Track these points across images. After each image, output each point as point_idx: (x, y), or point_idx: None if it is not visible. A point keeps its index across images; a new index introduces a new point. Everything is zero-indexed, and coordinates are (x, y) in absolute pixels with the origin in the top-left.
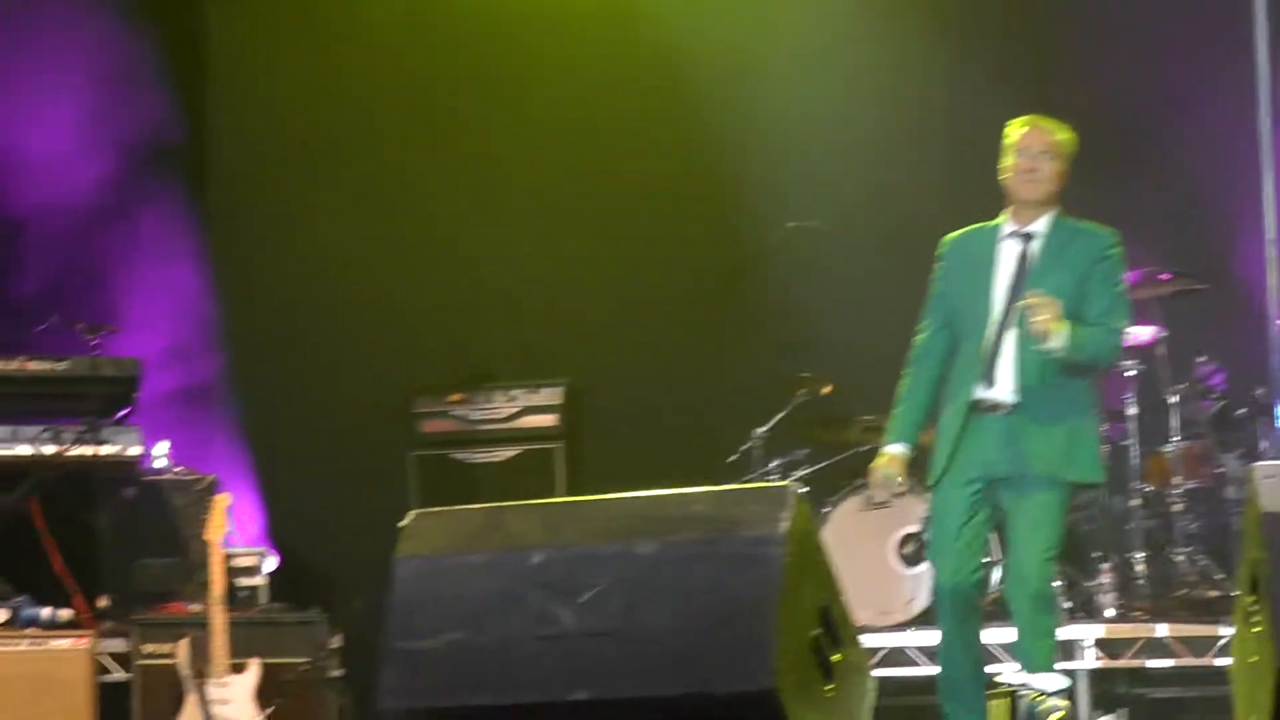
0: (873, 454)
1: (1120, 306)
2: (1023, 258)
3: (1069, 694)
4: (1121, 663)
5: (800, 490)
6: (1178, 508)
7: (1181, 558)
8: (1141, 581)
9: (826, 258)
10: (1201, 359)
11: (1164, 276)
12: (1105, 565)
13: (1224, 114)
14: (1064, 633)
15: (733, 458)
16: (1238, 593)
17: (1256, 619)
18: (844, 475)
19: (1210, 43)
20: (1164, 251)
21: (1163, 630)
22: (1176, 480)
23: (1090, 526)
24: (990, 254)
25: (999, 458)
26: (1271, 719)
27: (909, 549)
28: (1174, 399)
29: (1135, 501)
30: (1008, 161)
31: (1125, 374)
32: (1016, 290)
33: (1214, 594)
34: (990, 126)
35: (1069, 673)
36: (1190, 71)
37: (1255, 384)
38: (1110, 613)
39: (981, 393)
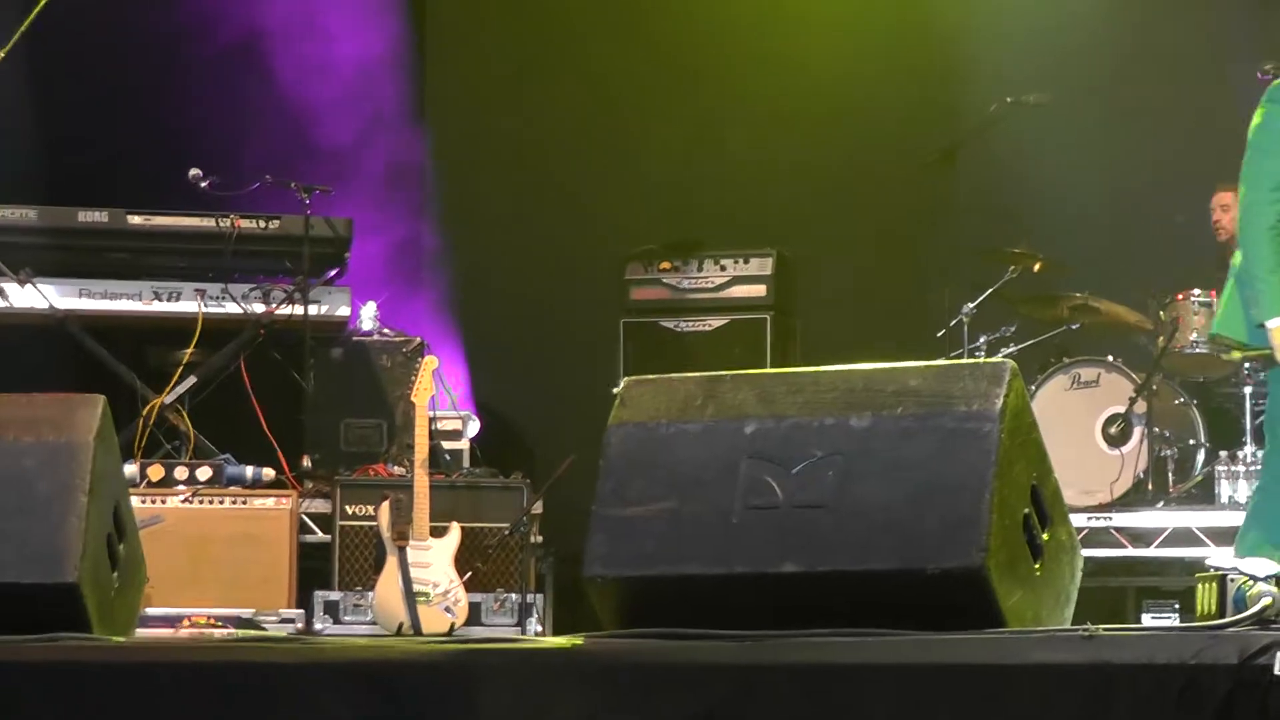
0: (1080, 332)
1: None
2: None
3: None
4: None
5: (1014, 366)
6: None
7: None
8: None
9: (1044, 135)
10: None
11: None
12: None
13: None
14: None
15: (941, 332)
16: None
17: None
18: (1052, 352)
19: None
20: None
21: None
22: None
23: None
24: None
25: None
26: None
27: (1114, 429)
28: None
29: None
30: None
31: None
32: None
33: None
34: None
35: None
36: None
37: None
38: None
39: None
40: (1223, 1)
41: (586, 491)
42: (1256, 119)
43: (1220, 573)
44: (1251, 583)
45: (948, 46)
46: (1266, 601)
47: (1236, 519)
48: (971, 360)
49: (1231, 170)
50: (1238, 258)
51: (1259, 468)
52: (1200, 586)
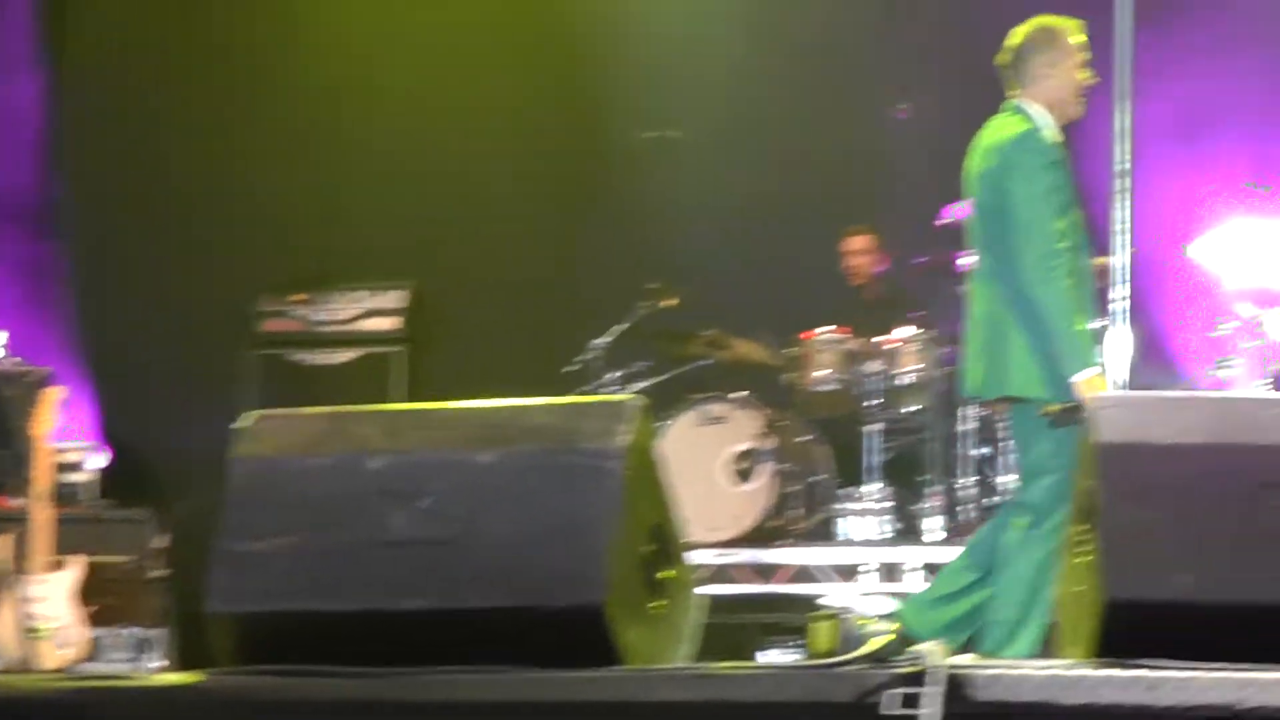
0: (713, 368)
1: None
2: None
3: (896, 618)
4: None
5: (640, 403)
6: (1007, 433)
7: (1008, 483)
8: (969, 507)
9: (680, 170)
10: None
11: None
12: (933, 489)
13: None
14: (890, 555)
15: (570, 368)
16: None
17: (1085, 549)
18: (684, 388)
19: None
20: None
21: None
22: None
23: (920, 449)
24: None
25: None
26: (1095, 649)
27: (743, 465)
28: None
29: (966, 426)
30: (1073, 67)
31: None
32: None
33: None
34: (848, 40)
35: (895, 595)
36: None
37: None
38: (936, 536)
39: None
40: (856, 43)
41: (215, 525)
42: (1016, 171)
43: (837, 610)
44: (868, 620)
45: (586, 81)
46: (882, 639)
47: (858, 556)
48: (598, 397)
49: (863, 211)
50: (980, 307)
51: (882, 504)
52: (815, 626)
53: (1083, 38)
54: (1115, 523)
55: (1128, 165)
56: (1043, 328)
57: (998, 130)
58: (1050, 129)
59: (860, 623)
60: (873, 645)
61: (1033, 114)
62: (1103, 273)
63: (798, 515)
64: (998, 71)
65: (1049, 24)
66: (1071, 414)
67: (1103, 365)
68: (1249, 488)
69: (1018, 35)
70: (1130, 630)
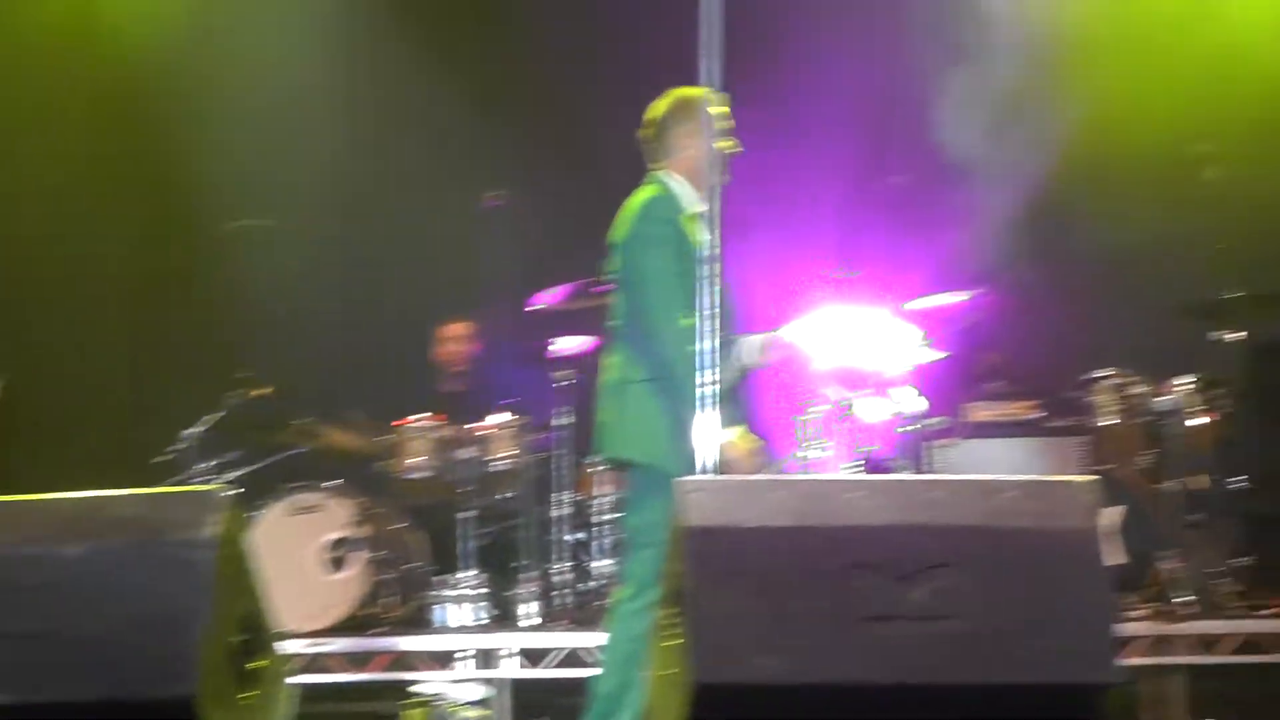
0: (306, 456)
1: None
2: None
3: (488, 703)
4: (543, 672)
5: (229, 494)
6: (601, 518)
7: (603, 568)
8: (564, 591)
9: (271, 259)
10: None
11: (598, 288)
12: (529, 574)
13: None
14: (486, 641)
15: (162, 458)
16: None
17: (674, 632)
18: (277, 477)
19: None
20: (597, 263)
21: (584, 639)
22: (601, 491)
23: (515, 535)
24: (692, 230)
25: None
26: None
27: (337, 553)
28: None
29: (560, 511)
30: (704, 139)
31: (558, 385)
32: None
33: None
34: (441, 129)
35: (490, 681)
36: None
37: None
38: (531, 622)
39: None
40: (449, 131)
41: None
42: (640, 240)
43: (430, 698)
44: (459, 707)
45: (176, 170)
46: None
47: (454, 642)
48: (186, 488)
49: (456, 298)
50: (613, 372)
51: (478, 590)
52: (410, 712)
53: (724, 108)
54: (702, 606)
55: (717, 250)
56: (671, 393)
57: (631, 202)
58: (689, 199)
59: (452, 709)
60: None
61: (671, 185)
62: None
63: (393, 603)
64: (641, 145)
65: (687, 95)
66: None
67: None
68: (835, 569)
69: (658, 108)
70: (714, 714)
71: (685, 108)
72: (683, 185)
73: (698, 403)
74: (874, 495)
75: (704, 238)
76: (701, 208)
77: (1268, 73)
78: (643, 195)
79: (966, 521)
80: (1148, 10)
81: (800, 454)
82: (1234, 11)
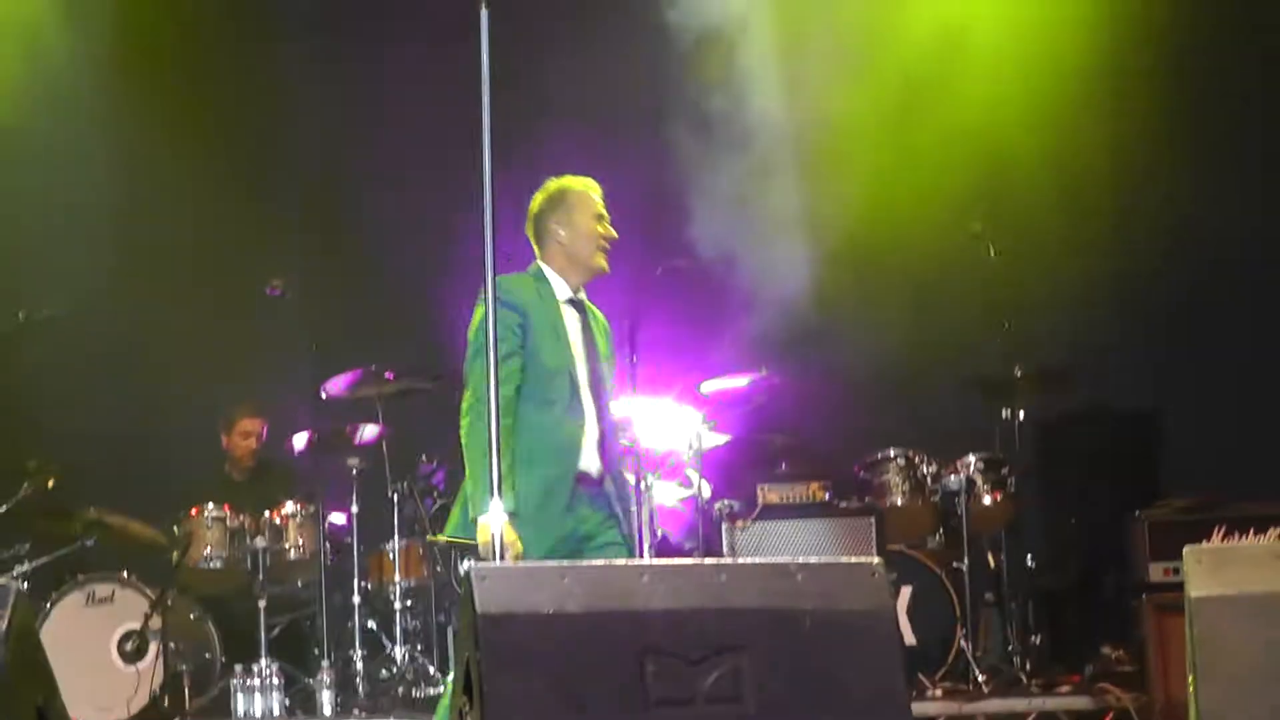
0: (96, 548)
1: None
2: (585, 329)
3: None
4: None
5: (20, 587)
6: (397, 605)
7: (400, 655)
8: (362, 679)
9: (58, 350)
10: (423, 457)
11: (389, 375)
12: (325, 663)
13: (449, 219)
14: None
15: None
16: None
17: (470, 718)
18: (67, 569)
19: (439, 156)
20: (386, 349)
21: None
22: (397, 578)
23: (310, 623)
24: (559, 317)
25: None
26: None
27: (130, 645)
28: (396, 497)
29: (355, 599)
30: (584, 222)
31: (349, 472)
32: (592, 363)
33: (432, 692)
34: (218, 219)
35: None
36: (420, 179)
37: None
38: (329, 710)
39: (586, 463)
40: (227, 221)
41: None
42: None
43: None
44: None
45: None
46: None
47: None
48: None
49: (243, 386)
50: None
51: (275, 679)
52: None
53: (596, 193)
54: (493, 693)
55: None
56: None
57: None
58: (561, 288)
59: None
60: None
61: (545, 273)
62: None
63: (189, 694)
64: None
65: (560, 184)
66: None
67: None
68: (626, 654)
69: (535, 200)
70: None
71: (558, 196)
72: (553, 273)
73: (481, 476)
74: (664, 580)
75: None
76: (569, 294)
77: (1010, 150)
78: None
79: (755, 604)
80: (889, 97)
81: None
82: (969, 90)
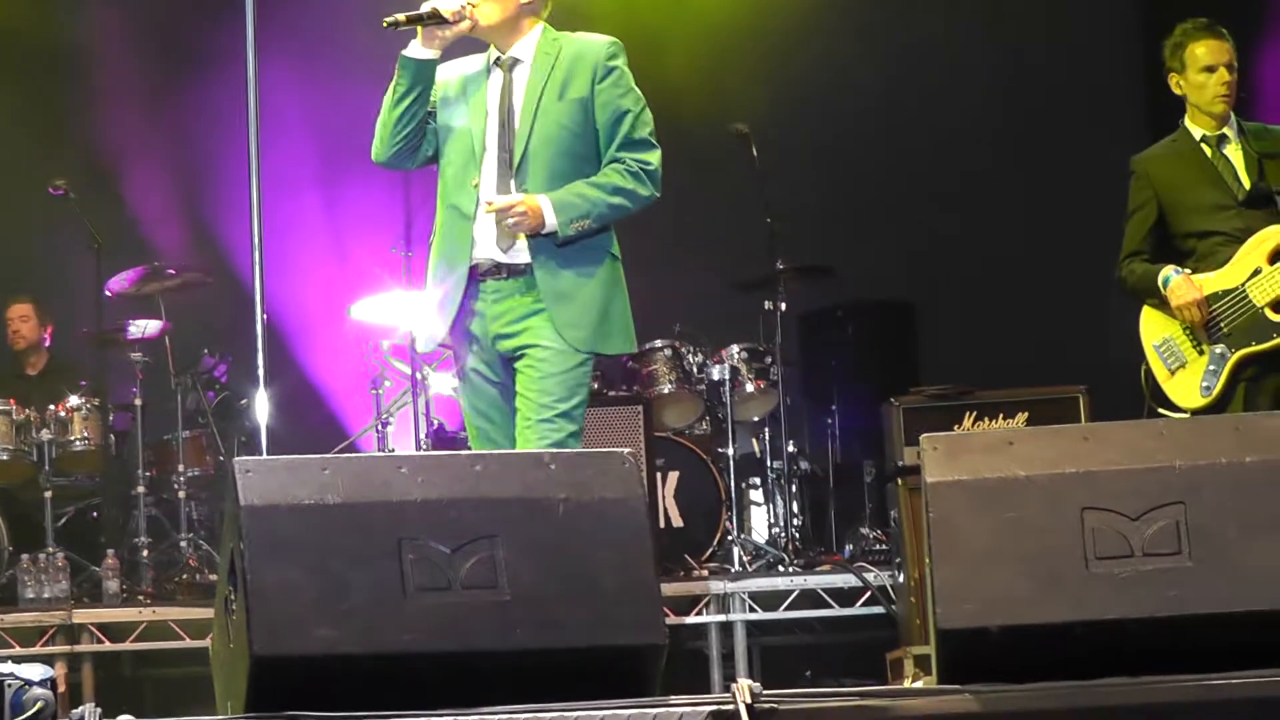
0: None
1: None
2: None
3: (52, 684)
4: (125, 646)
5: None
6: (182, 495)
7: (185, 543)
8: (147, 566)
9: None
10: (206, 351)
11: (171, 271)
12: (111, 551)
13: (222, 110)
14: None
15: None
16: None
17: (234, 606)
18: None
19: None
20: (168, 246)
21: (166, 613)
22: (181, 468)
23: (96, 513)
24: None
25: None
26: (246, 704)
27: None
28: (180, 390)
29: (141, 489)
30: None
31: (133, 367)
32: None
33: (214, 579)
34: None
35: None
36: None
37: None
38: (115, 595)
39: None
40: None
41: None
42: None
43: None
44: (27, 687)
45: None
46: (39, 705)
47: (35, 619)
48: None
49: (25, 286)
50: None
51: (61, 566)
52: None
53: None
54: (258, 582)
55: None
56: None
57: None
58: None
59: (23, 688)
60: (32, 711)
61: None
62: None
63: None
64: None
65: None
66: None
67: None
68: (385, 544)
69: None
70: (276, 685)
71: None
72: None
73: None
74: (421, 471)
75: None
76: None
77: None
78: None
79: (511, 494)
80: None
81: (375, 426)
82: None
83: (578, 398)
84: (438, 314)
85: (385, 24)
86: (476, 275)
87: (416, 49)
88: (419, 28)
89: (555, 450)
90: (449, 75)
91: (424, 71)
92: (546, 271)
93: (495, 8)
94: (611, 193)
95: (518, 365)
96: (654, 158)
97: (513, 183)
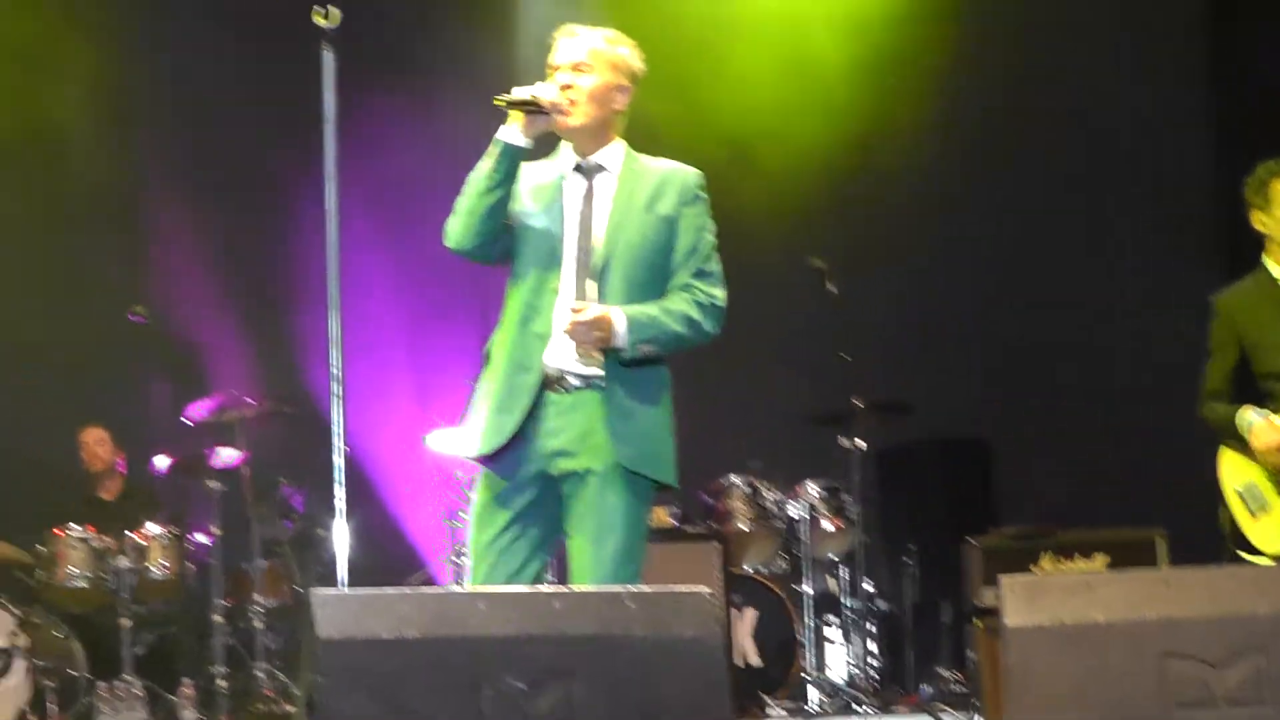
0: None
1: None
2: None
3: None
4: None
5: None
6: (258, 624)
7: (261, 673)
8: (224, 696)
9: None
10: (284, 481)
11: (250, 400)
12: (187, 680)
13: (302, 245)
14: None
15: None
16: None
17: None
18: None
19: (288, 178)
20: (248, 375)
21: None
22: (258, 598)
23: (173, 642)
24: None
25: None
26: None
27: None
28: (257, 518)
29: (217, 617)
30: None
31: (211, 495)
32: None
33: (291, 709)
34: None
35: None
36: (278, 211)
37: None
38: None
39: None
40: (92, 249)
41: None
42: None
43: None
44: None
45: None
46: None
47: None
48: None
49: (100, 409)
50: None
51: (139, 695)
52: None
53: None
54: (334, 716)
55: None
56: None
57: None
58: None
59: None
60: None
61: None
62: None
63: (55, 710)
64: None
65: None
66: None
67: None
68: (463, 680)
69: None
70: None
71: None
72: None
73: None
74: (500, 607)
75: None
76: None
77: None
78: None
79: (588, 631)
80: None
81: (452, 558)
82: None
83: (640, 527)
84: (496, 416)
85: (496, 101)
86: (544, 383)
87: (514, 134)
88: (520, 113)
89: (633, 588)
90: (523, 174)
91: (519, 158)
92: (616, 389)
93: (590, 109)
94: (681, 321)
95: (572, 489)
96: (722, 295)
97: (590, 284)
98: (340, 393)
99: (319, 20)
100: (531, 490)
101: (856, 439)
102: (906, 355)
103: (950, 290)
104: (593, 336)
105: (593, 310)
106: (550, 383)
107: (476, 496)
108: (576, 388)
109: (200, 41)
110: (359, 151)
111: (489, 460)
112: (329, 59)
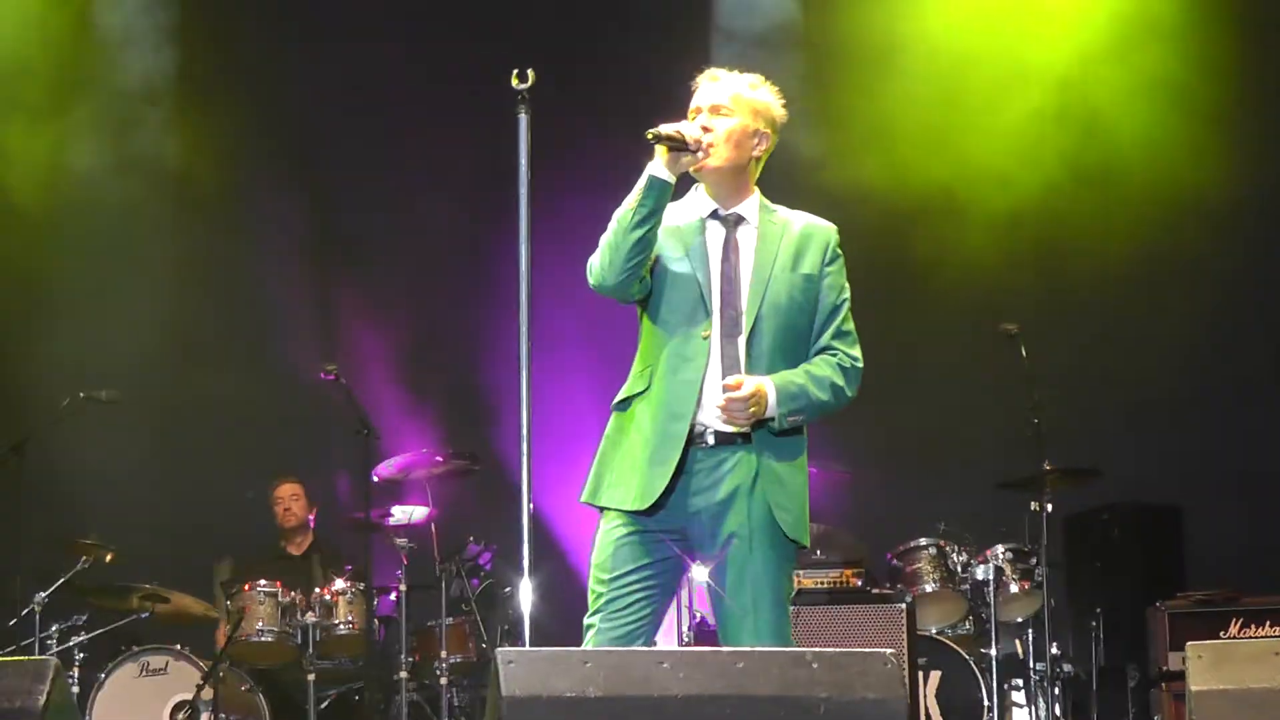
0: (151, 620)
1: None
2: (732, 246)
3: None
4: None
5: (57, 662)
6: (444, 681)
7: None
8: None
9: (114, 429)
10: (471, 539)
11: (438, 458)
12: None
13: (493, 304)
14: None
15: (13, 622)
16: None
17: None
18: (123, 640)
19: (486, 237)
20: (435, 433)
21: None
22: (444, 655)
23: (359, 697)
24: (696, 233)
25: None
26: None
27: (181, 716)
28: (443, 576)
29: (403, 673)
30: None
31: (398, 552)
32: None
33: None
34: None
35: None
36: (463, 268)
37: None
38: None
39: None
40: (282, 303)
41: None
42: None
43: None
44: None
45: (13, 339)
46: None
47: None
48: (14, 658)
49: (292, 465)
50: None
51: None
52: None
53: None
54: None
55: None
56: None
57: None
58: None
59: None
60: None
61: None
62: None
63: None
64: None
65: None
66: None
67: None
68: None
69: None
70: None
71: None
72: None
73: None
74: (683, 667)
75: None
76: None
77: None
78: None
79: (772, 692)
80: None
81: None
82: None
83: (790, 589)
84: (649, 468)
85: (647, 135)
86: (693, 437)
87: (662, 169)
88: (664, 148)
89: (817, 649)
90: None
91: (666, 193)
92: (765, 449)
93: (727, 151)
94: (827, 389)
95: (720, 548)
96: (860, 354)
97: (740, 343)
98: (528, 451)
99: (515, 84)
100: (672, 541)
101: (1045, 502)
102: (1096, 420)
103: (1140, 353)
104: (748, 413)
105: (748, 386)
106: (697, 437)
107: (612, 529)
108: (725, 446)
109: (395, 105)
110: (550, 206)
111: (639, 512)
112: (523, 121)
